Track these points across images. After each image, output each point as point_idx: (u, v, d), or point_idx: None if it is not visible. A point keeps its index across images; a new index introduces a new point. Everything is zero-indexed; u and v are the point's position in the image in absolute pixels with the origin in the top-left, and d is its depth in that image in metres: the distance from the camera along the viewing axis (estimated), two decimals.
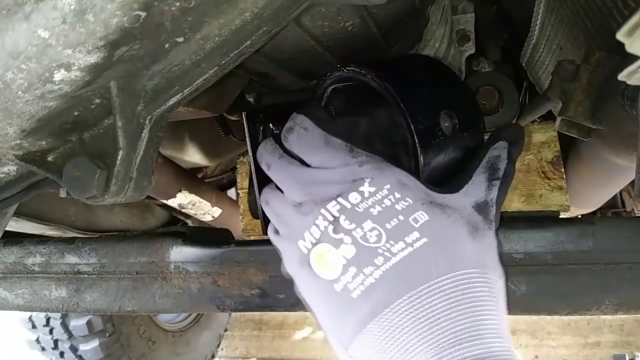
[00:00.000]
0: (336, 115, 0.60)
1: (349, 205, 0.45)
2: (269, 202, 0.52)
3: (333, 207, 0.45)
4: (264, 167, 0.53)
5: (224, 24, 0.43)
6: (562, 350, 2.78)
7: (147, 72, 0.45)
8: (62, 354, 2.18)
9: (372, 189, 0.45)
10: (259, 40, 0.47)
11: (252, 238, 1.22)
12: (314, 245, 0.45)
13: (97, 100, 0.45)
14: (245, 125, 0.65)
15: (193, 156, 1.41)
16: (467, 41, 0.81)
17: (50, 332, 2.16)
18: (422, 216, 0.43)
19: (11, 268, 0.79)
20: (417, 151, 0.51)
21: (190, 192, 1.42)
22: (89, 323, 2.10)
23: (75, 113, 0.45)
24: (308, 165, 0.49)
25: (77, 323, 2.11)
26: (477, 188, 0.48)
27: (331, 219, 0.45)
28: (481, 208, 0.46)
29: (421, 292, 0.40)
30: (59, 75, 0.38)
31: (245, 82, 0.82)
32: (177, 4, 0.37)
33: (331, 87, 0.61)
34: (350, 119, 0.58)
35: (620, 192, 1.70)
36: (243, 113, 0.65)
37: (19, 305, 0.79)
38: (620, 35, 0.32)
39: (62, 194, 0.67)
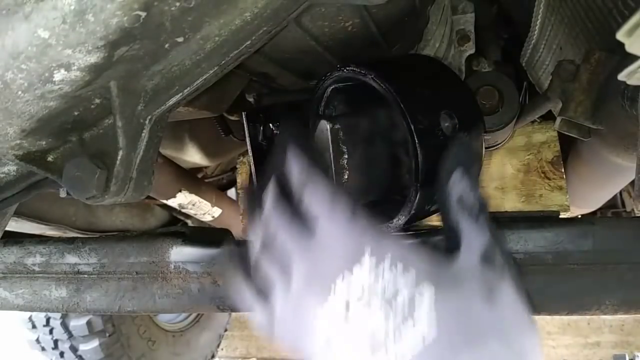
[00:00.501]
0: (336, 116, 0.60)
1: (356, 283, 0.39)
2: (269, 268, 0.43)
3: (342, 285, 0.39)
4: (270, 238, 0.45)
5: (224, 24, 0.43)
6: (562, 350, 2.78)
7: (147, 72, 0.45)
8: (62, 354, 2.18)
9: (374, 260, 0.39)
10: (259, 40, 0.47)
11: None
12: (328, 336, 0.39)
13: (97, 100, 0.45)
14: (245, 126, 0.65)
15: (193, 156, 1.41)
16: (467, 41, 0.81)
17: (50, 332, 2.16)
18: (427, 292, 0.37)
19: (11, 268, 0.79)
20: (417, 151, 0.50)
21: (190, 192, 1.41)
22: (89, 323, 2.10)
23: (75, 113, 0.45)
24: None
25: (77, 323, 2.11)
26: (471, 235, 0.41)
27: (343, 302, 0.39)
28: (487, 259, 0.40)
29: None
30: (59, 75, 0.38)
31: (245, 82, 0.82)
32: (177, 4, 0.37)
33: (331, 87, 0.61)
34: (351, 119, 0.57)
35: (620, 192, 1.70)
36: (243, 113, 0.65)
37: (19, 305, 0.79)
38: (620, 36, 0.32)
39: (62, 194, 0.67)
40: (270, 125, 0.67)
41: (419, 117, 0.51)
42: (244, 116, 0.65)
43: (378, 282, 0.38)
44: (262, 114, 0.66)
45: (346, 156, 0.56)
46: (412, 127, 0.50)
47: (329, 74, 0.59)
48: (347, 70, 0.56)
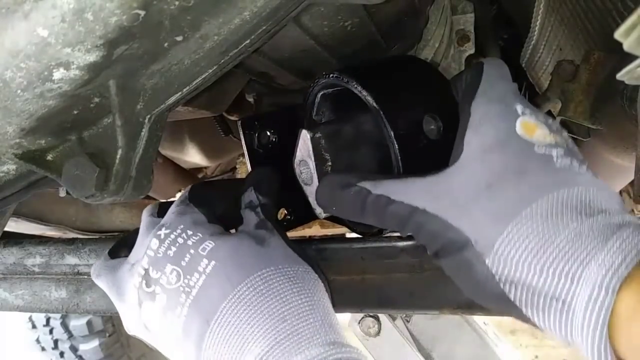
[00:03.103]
0: (319, 124, 0.60)
1: (152, 254, 0.50)
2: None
3: (144, 260, 0.50)
4: None
5: (223, 22, 0.43)
6: (562, 350, 2.77)
7: (146, 71, 0.45)
8: (62, 354, 2.18)
9: (168, 231, 0.51)
10: (259, 39, 0.47)
11: None
12: (140, 306, 0.49)
13: (97, 99, 0.45)
14: (240, 133, 0.65)
15: (193, 156, 1.41)
16: (466, 41, 0.81)
17: (50, 332, 2.16)
18: (209, 244, 0.49)
19: (11, 269, 0.79)
20: (398, 157, 0.50)
21: None
22: (89, 323, 2.10)
23: (75, 112, 0.45)
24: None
25: (77, 323, 2.11)
26: (249, 216, 0.55)
27: (142, 272, 0.50)
28: (260, 227, 0.53)
29: (224, 310, 0.45)
30: (58, 74, 0.38)
31: (245, 82, 0.82)
32: (177, 2, 0.37)
33: (320, 93, 0.61)
34: (333, 127, 0.58)
35: (620, 192, 1.69)
36: (238, 121, 0.65)
37: (19, 306, 0.79)
38: (618, 35, 0.32)
39: (62, 193, 0.67)
40: (267, 132, 0.67)
41: (400, 122, 0.51)
42: (239, 124, 0.65)
43: (171, 249, 0.49)
44: (257, 122, 0.66)
45: (329, 163, 0.57)
46: (392, 134, 0.50)
47: (317, 80, 0.59)
48: (331, 77, 0.56)
